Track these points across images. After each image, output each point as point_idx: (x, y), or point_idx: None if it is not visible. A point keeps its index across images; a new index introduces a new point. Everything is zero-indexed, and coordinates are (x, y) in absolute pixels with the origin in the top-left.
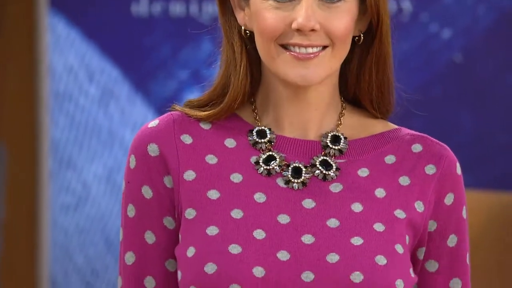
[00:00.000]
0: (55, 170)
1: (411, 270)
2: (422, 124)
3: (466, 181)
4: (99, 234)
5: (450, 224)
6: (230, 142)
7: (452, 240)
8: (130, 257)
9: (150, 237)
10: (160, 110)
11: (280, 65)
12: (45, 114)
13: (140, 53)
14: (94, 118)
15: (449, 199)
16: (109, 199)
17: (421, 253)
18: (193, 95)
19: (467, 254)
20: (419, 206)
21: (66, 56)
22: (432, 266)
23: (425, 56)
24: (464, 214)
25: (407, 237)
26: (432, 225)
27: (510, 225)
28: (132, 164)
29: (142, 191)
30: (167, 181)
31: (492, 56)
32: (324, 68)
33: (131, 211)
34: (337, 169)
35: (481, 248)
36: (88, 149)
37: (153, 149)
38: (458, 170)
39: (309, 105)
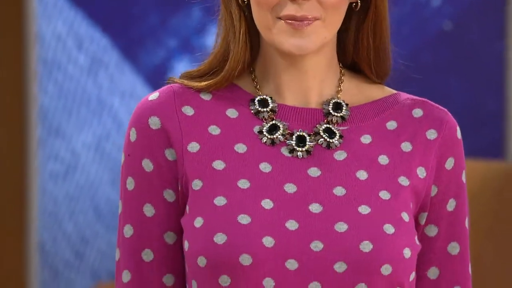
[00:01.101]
0: (43, 138)
1: (416, 238)
2: (411, 91)
3: None
4: (88, 202)
5: (450, 189)
6: (232, 112)
7: (451, 205)
8: (128, 230)
9: (149, 210)
10: (149, 78)
11: (276, 35)
12: (34, 82)
13: (129, 21)
14: (83, 87)
15: (449, 164)
16: (98, 168)
17: (422, 218)
18: (182, 64)
19: (466, 218)
20: (421, 172)
21: (54, 24)
22: (431, 231)
23: (415, 24)
24: (463, 178)
25: (411, 204)
26: (434, 190)
27: (500, 193)
28: (133, 137)
29: (143, 164)
30: (169, 153)
31: (481, 24)
32: (318, 37)
33: (130, 184)
34: (340, 136)
35: (471, 216)
36: (77, 117)
37: (154, 122)
38: (459, 134)
39: (307, 73)
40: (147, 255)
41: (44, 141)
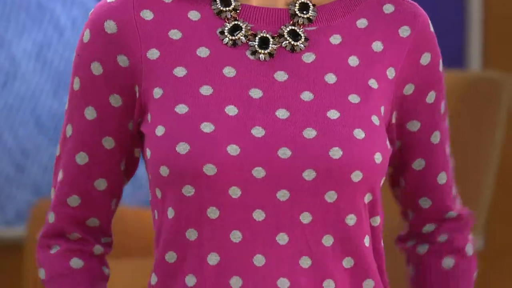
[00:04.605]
0: None
1: (387, 142)
2: None
3: None
4: (29, 114)
5: (428, 83)
6: (194, 15)
7: (431, 97)
8: (69, 129)
9: (90, 113)
10: None
11: None
12: None
13: None
14: None
15: (425, 59)
16: (40, 77)
17: (393, 117)
18: None
19: (442, 104)
20: (390, 73)
21: None
22: (414, 125)
23: None
24: (440, 69)
25: (382, 108)
26: (410, 88)
27: (462, 102)
28: (86, 38)
29: (91, 66)
30: (121, 60)
31: None
32: None
33: (76, 84)
34: (306, 39)
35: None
36: (16, 24)
37: (110, 26)
38: (431, 27)
39: None
40: (81, 158)
41: None
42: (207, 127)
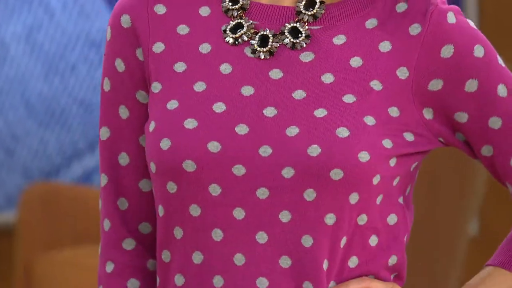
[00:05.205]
0: None
1: (385, 142)
2: None
3: None
4: (19, 98)
5: (461, 73)
6: (204, 10)
7: (471, 86)
8: (105, 132)
9: (124, 112)
10: None
11: None
12: None
13: None
14: None
15: (447, 52)
16: (29, 60)
17: (428, 113)
18: None
19: (499, 87)
20: (402, 73)
21: None
22: (461, 117)
23: None
24: (477, 53)
25: (392, 109)
26: (437, 84)
27: None
28: (108, 36)
29: (116, 64)
30: (139, 53)
31: None
32: None
33: (107, 85)
34: (307, 36)
35: None
36: (5, 5)
37: (125, 20)
38: (450, 19)
39: None
40: (123, 159)
41: None
42: (190, 124)
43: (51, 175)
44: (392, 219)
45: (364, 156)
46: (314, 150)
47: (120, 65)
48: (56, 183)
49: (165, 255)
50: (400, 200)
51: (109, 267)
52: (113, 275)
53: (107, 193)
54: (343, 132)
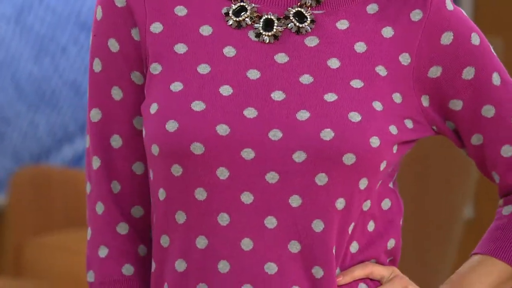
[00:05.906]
0: None
1: (391, 128)
2: None
3: None
4: (9, 80)
5: (459, 61)
6: None
7: (468, 73)
8: (96, 114)
9: (117, 93)
10: None
11: None
12: None
13: None
14: None
15: (446, 39)
16: (19, 42)
17: (425, 101)
18: None
19: (493, 75)
20: (404, 59)
21: None
22: (456, 104)
23: None
24: (474, 41)
25: (395, 95)
26: (436, 71)
27: None
28: (99, 15)
29: (108, 44)
30: (135, 33)
31: None
32: None
33: (97, 66)
34: (312, 21)
35: None
36: None
37: None
38: (449, 6)
39: None
40: (116, 141)
41: None
42: (197, 106)
43: (41, 158)
44: (386, 204)
45: (375, 141)
46: (327, 134)
47: (114, 45)
48: (46, 166)
49: (164, 240)
50: (391, 185)
51: (103, 252)
52: (107, 259)
53: (99, 176)
54: (355, 116)
